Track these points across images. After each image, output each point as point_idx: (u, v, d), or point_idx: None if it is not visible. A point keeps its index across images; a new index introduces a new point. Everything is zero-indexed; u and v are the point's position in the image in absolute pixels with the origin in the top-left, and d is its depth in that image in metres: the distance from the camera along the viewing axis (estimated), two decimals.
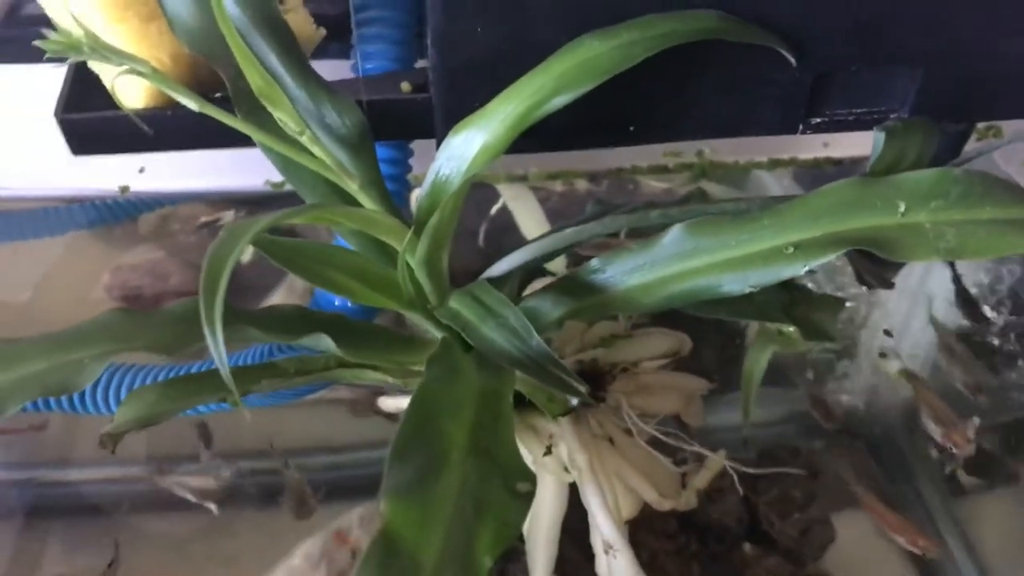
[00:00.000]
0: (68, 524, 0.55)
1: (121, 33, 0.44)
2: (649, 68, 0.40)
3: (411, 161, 0.56)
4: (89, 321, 0.40)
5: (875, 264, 0.52)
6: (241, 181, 0.76)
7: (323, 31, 0.51)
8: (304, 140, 0.37)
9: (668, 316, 0.55)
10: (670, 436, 0.49)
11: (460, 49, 0.44)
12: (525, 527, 0.48)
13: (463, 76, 0.45)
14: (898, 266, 0.65)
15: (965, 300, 0.68)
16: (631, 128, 0.49)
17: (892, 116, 0.50)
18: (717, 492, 0.53)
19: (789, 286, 0.49)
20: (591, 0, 0.42)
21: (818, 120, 0.50)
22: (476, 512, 0.31)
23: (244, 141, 0.41)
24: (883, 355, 0.64)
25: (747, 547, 0.52)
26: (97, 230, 0.75)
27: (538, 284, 0.51)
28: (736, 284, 0.39)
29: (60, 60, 0.34)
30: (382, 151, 0.53)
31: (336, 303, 0.57)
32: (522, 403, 0.48)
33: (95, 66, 0.46)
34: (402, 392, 0.54)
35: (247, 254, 0.69)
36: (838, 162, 0.80)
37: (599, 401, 0.50)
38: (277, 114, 0.37)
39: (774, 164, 0.80)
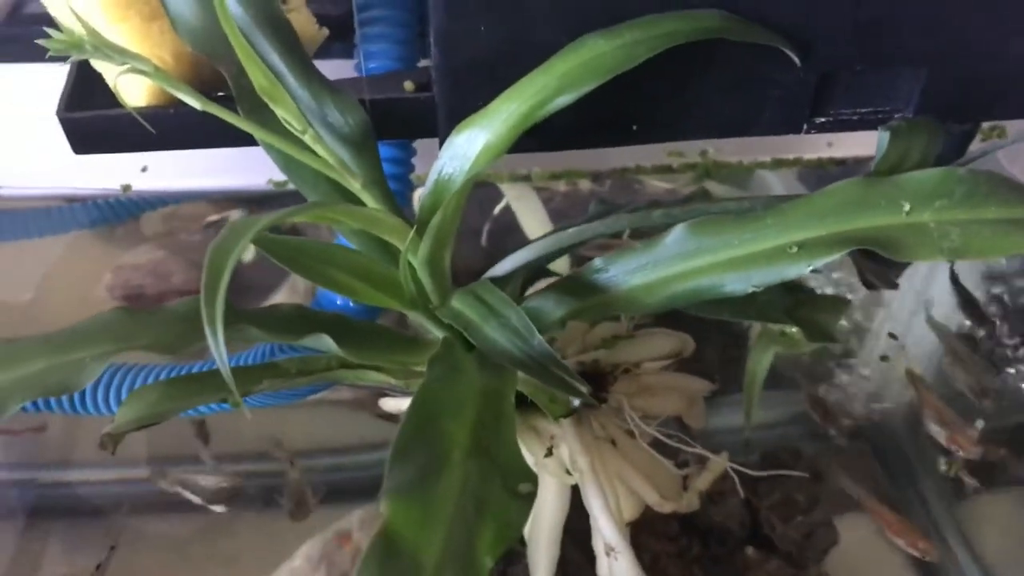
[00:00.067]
0: (69, 525, 0.55)
1: (123, 32, 0.44)
2: (652, 67, 0.40)
3: (414, 161, 0.56)
4: (90, 320, 0.40)
5: (879, 264, 0.52)
6: (244, 180, 0.76)
7: (326, 31, 0.51)
8: (307, 139, 0.37)
9: (670, 317, 0.55)
10: (672, 438, 0.49)
11: (463, 48, 0.44)
12: (526, 529, 0.48)
13: (466, 75, 0.45)
14: (902, 266, 0.65)
15: (966, 301, 0.67)
16: (634, 128, 0.49)
17: (896, 116, 0.50)
18: (719, 494, 0.53)
19: (792, 287, 0.49)
20: (593, 0, 0.42)
21: (822, 120, 0.50)
22: (477, 512, 0.30)
23: (246, 140, 0.41)
24: (884, 358, 0.63)
25: (749, 550, 0.52)
26: (99, 229, 0.75)
27: (541, 284, 0.50)
28: (739, 284, 0.39)
29: (62, 59, 0.34)
30: (385, 150, 0.53)
31: (338, 303, 0.57)
32: (524, 404, 0.48)
33: (97, 65, 0.46)
34: (404, 393, 0.54)
35: (249, 253, 0.69)
36: (842, 162, 0.80)
37: (601, 402, 0.50)
38: (280, 113, 0.37)
39: (778, 164, 0.80)
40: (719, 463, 0.50)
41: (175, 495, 0.55)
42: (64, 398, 0.50)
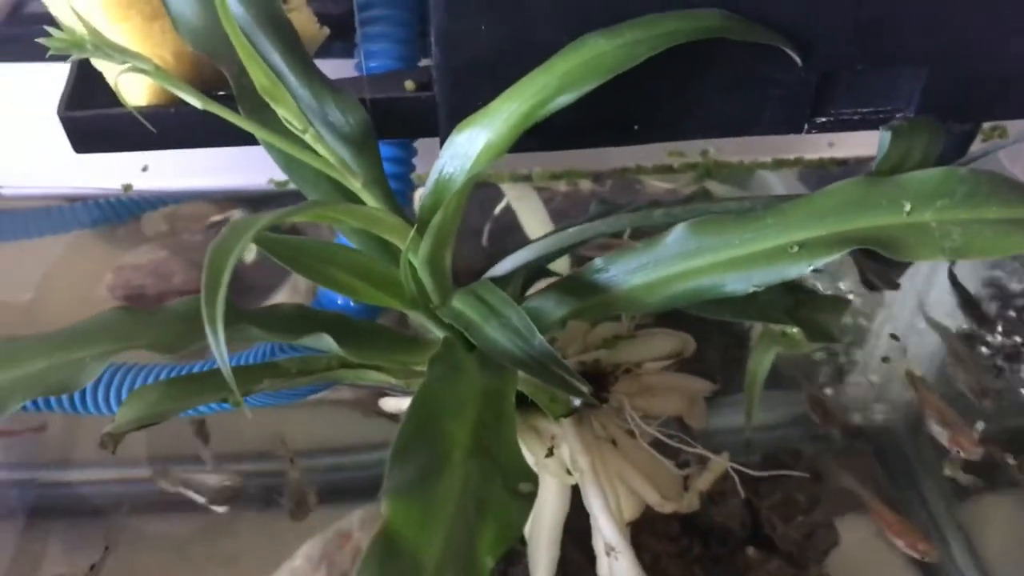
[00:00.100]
0: (69, 525, 0.55)
1: (124, 31, 0.44)
2: (653, 67, 0.40)
3: (415, 160, 0.56)
4: (90, 319, 0.40)
5: (880, 265, 0.52)
6: (244, 180, 0.76)
7: (327, 30, 0.51)
8: (307, 138, 0.37)
9: (671, 317, 0.55)
10: (673, 438, 0.49)
11: (463, 48, 0.44)
12: (527, 529, 0.48)
13: (466, 75, 0.45)
14: (903, 267, 0.65)
15: (966, 301, 0.67)
16: (635, 127, 0.49)
17: (898, 116, 0.50)
18: (720, 495, 0.52)
19: (793, 287, 0.49)
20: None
21: (823, 120, 0.50)
22: (478, 512, 0.30)
23: (247, 139, 0.41)
24: (885, 359, 0.63)
25: (750, 550, 0.52)
26: (100, 229, 0.75)
27: (542, 284, 0.50)
28: (740, 283, 0.39)
29: (63, 58, 0.34)
30: (386, 150, 0.53)
31: (339, 302, 0.57)
32: (524, 404, 0.48)
33: (98, 64, 0.46)
34: (404, 393, 0.54)
35: (250, 254, 0.69)
36: (843, 162, 0.80)
37: (602, 402, 0.50)
38: (280, 112, 0.37)
39: (779, 164, 0.80)
40: (720, 463, 0.50)
41: (175, 495, 0.55)
42: (64, 397, 0.50)
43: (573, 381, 0.37)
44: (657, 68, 0.40)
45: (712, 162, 0.79)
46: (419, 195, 0.44)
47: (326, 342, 0.40)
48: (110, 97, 0.43)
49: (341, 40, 0.54)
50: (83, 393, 0.50)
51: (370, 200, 0.41)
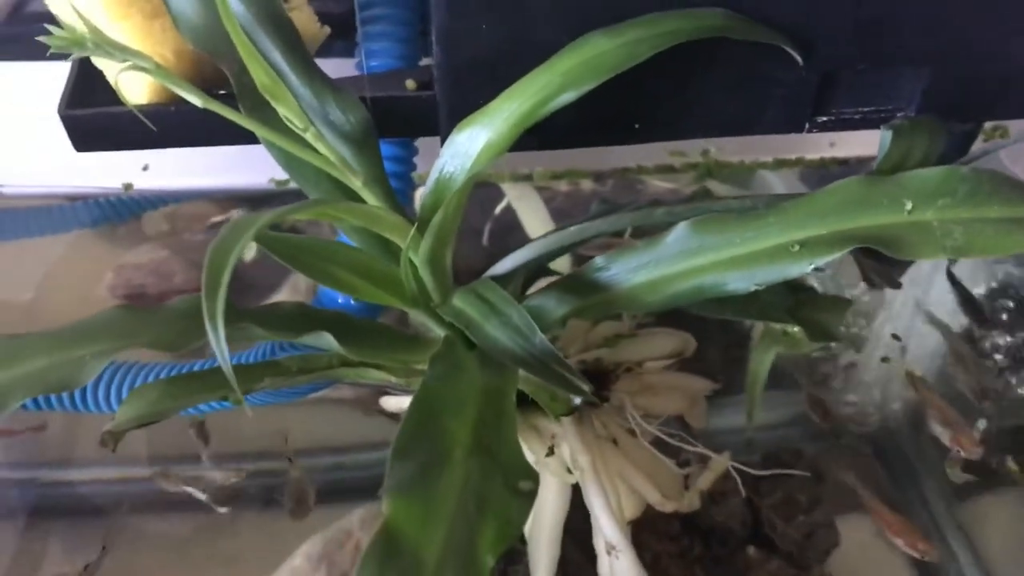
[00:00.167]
0: (69, 524, 0.55)
1: (125, 30, 0.44)
2: (654, 66, 0.40)
3: (416, 160, 0.56)
4: (91, 318, 0.40)
5: (882, 264, 0.52)
6: (245, 179, 0.76)
7: (328, 29, 0.51)
8: (308, 136, 0.37)
9: (672, 316, 0.55)
10: (674, 437, 0.49)
11: (464, 47, 0.44)
12: (527, 528, 0.48)
13: (467, 74, 0.45)
14: (905, 266, 0.65)
15: (965, 300, 0.67)
16: (636, 126, 0.49)
17: (899, 115, 0.50)
18: (720, 494, 0.52)
19: (795, 286, 0.49)
20: None
21: (824, 119, 0.50)
22: (478, 510, 0.30)
23: (248, 138, 0.41)
24: (885, 359, 0.63)
25: (750, 550, 0.52)
26: (101, 228, 0.75)
27: (543, 283, 0.50)
28: (741, 282, 0.39)
29: (64, 56, 0.34)
30: (387, 149, 0.53)
31: (339, 301, 0.57)
32: (525, 403, 0.48)
33: (99, 62, 0.46)
34: (405, 391, 0.54)
35: (251, 252, 0.69)
36: (844, 162, 0.80)
37: (602, 401, 0.50)
38: (281, 110, 0.37)
39: (780, 164, 0.80)
40: (721, 462, 0.50)
41: (176, 494, 0.55)
42: (65, 396, 0.50)
43: (574, 379, 0.37)
44: (658, 67, 0.40)
45: (713, 162, 0.79)
46: (420, 194, 0.44)
47: (327, 340, 0.40)
48: (111, 95, 0.43)
49: (342, 39, 0.54)
50: (84, 391, 0.50)
51: (371, 198, 0.41)
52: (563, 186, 0.78)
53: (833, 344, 0.62)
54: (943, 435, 0.57)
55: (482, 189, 0.75)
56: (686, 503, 0.50)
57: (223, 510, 0.54)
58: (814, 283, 0.63)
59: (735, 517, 0.53)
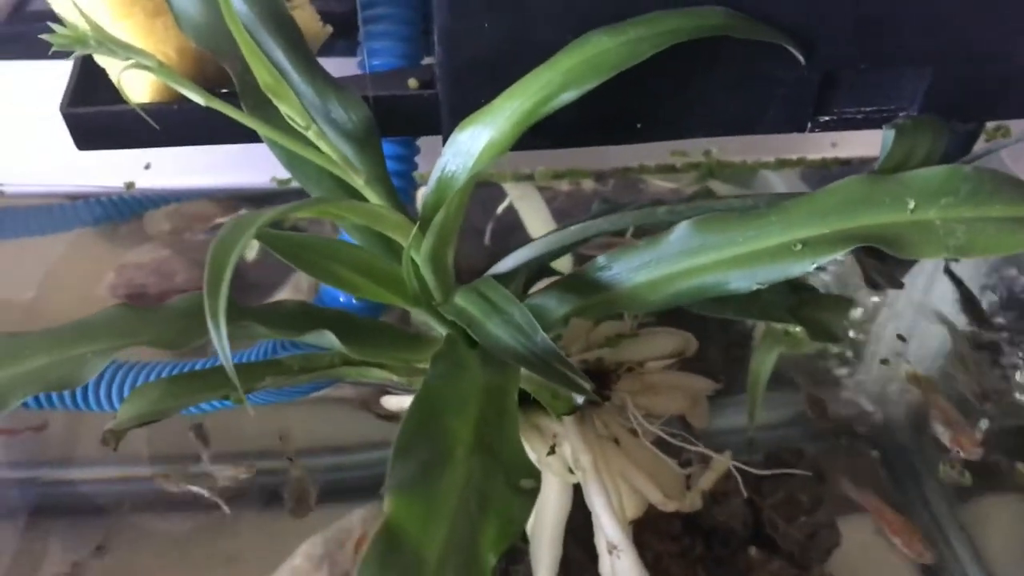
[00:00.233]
0: (70, 523, 0.55)
1: (127, 28, 0.44)
2: (656, 65, 0.40)
3: (417, 159, 0.56)
4: (92, 316, 0.40)
5: (884, 263, 0.52)
6: (247, 178, 0.76)
7: (330, 28, 0.51)
8: (310, 135, 0.37)
9: (674, 316, 0.54)
10: (675, 437, 0.49)
11: (466, 46, 0.44)
12: (529, 527, 0.48)
13: (469, 73, 0.45)
14: (908, 265, 0.65)
15: (966, 300, 0.67)
16: (638, 125, 0.49)
17: (901, 115, 0.50)
18: (722, 494, 0.52)
19: (796, 286, 0.49)
20: None
21: (826, 118, 0.50)
22: (480, 508, 0.30)
23: (250, 137, 0.41)
24: (884, 361, 0.63)
25: (752, 550, 0.52)
26: (102, 227, 0.75)
27: (544, 282, 0.50)
28: (743, 281, 0.39)
29: (66, 55, 0.34)
30: (389, 148, 0.53)
31: (341, 300, 0.57)
32: (526, 402, 0.48)
33: (101, 61, 0.46)
34: (406, 390, 0.54)
35: (252, 251, 0.69)
36: (846, 162, 0.79)
37: (604, 400, 0.50)
38: (283, 109, 0.37)
39: (782, 164, 0.80)
40: (722, 462, 0.50)
41: (176, 494, 0.55)
42: (66, 394, 0.50)
43: (576, 378, 0.37)
44: (660, 66, 0.40)
45: (715, 162, 0.79)
46: (422, 193, 0.44)
47: (328, 339, 0.40)
48: (113, 94, 0.43)
49: (344, 38, 0.54)
50: (85, 390, 0.50)
51: (373, 197, 0.41)
52: (565, 185, 0.78)
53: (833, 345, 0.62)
54: (944, 435, 0.57)
55: (484, 188, 0.75)
56: (688, 503, 0.50)
57: (226, 509, 0.54)
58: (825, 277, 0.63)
59: (737, 517, 0.53)
